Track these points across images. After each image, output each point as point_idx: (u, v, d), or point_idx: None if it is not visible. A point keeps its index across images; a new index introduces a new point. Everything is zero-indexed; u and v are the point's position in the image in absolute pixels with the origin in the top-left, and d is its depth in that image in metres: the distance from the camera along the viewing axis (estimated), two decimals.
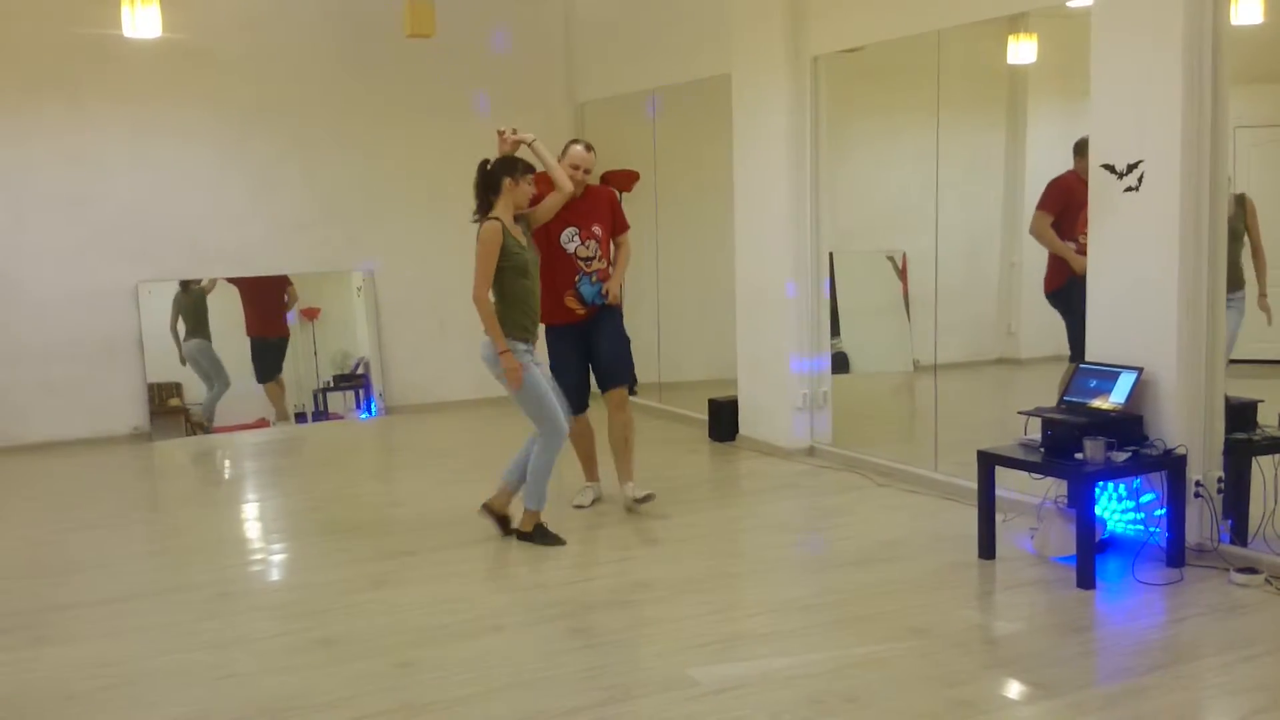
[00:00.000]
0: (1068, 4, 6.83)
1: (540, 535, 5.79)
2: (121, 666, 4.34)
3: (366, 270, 9.49)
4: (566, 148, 6.26)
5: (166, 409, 8.90)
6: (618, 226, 6.44)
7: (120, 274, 8.74)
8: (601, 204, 6.39)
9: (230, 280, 9.14)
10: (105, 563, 5.76)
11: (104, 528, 6.44)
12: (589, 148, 6.29)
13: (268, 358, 9.29)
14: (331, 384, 9.52)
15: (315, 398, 9.43)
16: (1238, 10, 5.33)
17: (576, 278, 6.19)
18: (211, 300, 9.13)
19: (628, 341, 6.49)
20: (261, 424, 9.12)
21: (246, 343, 9.27)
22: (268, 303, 9.30)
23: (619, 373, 6.38)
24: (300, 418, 9.32)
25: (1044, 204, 6.79)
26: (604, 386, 6.39)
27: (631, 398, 6.57)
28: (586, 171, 6.24)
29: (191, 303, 9.08)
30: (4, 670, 4.34)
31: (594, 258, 6.25)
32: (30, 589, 5.34)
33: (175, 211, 8.90)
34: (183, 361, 8.98)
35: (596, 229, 6.26)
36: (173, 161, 8.89)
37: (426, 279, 9.65)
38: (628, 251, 6.48)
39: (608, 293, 6.29)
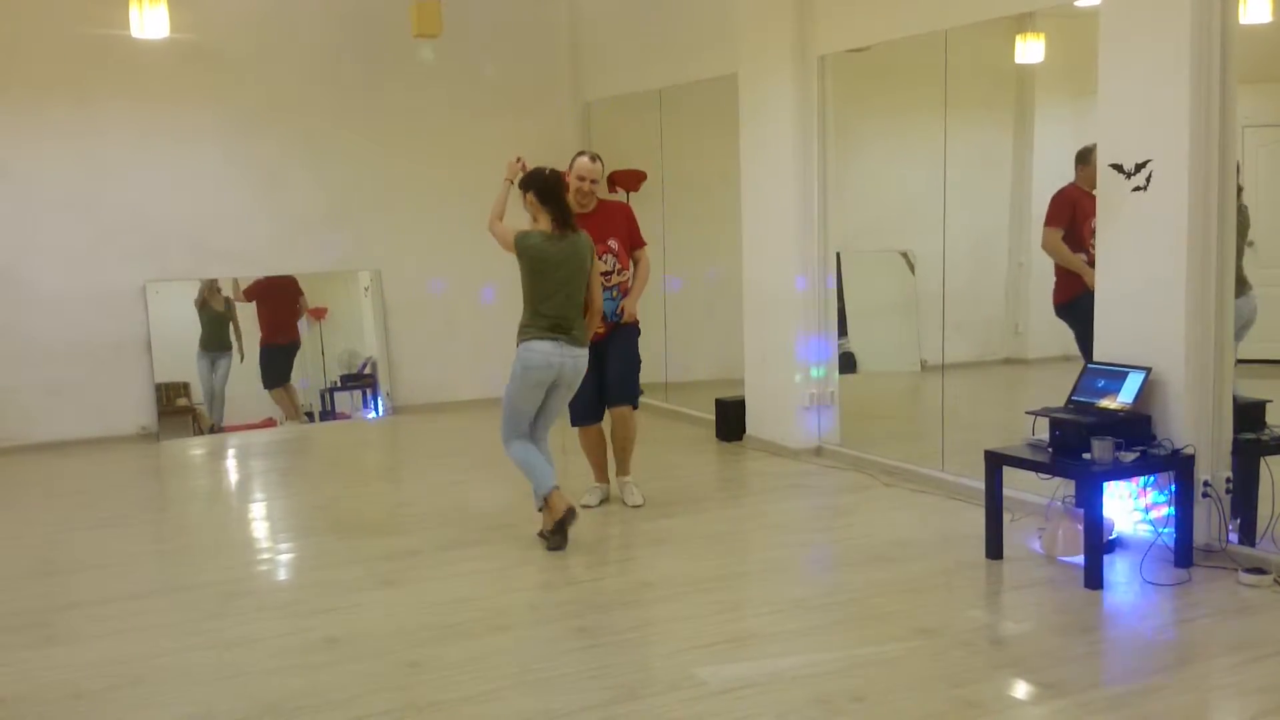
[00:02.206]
0: (1075, 3, 6.81)
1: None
2: (129, 665, 4.34)
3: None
4: (573, 161, 6.27)
5: (174, 409, 8.91)
6: (634, 240, 6.42)
7: (128, 274, 8.76)
8: (616, 217, 6.40)
9: (246, 295, 9.15)
10: (113, 562, 5.77)
11: (111, 527, 6.45)
12: (594, 158, 6.32)
13: (279, 363, 9.29)
14: (339, 384, 9.53)
15: (323, 397, 9.45)
16: (1246, 9, 5.32)
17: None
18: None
19: (638, 362, 6.48)
20: (269, 424, 9.14)
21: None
22: (280, 309, 9.30)
23: (622, 392, 6.38)
24: (308, 417, 9.34)
25: (1051, 219, 6.71)
26: (607, 403, 6.40)
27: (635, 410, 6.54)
28: (594, 182, 6.25)
29: (210, 318, 9.12)
30: (13, 669, 4.35)
31: (612, 271, 6.27)
32: (38, 588, 5.36)
33: (183, 211, 8.92)
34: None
35: (612, 242, 6.27)
36: (180, 161, 8.91)
37: (434, 279, 9.66)
38: (646, 267, 6.48)
39: (623, 310, 6.30)
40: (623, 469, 6.55)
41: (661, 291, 9.49)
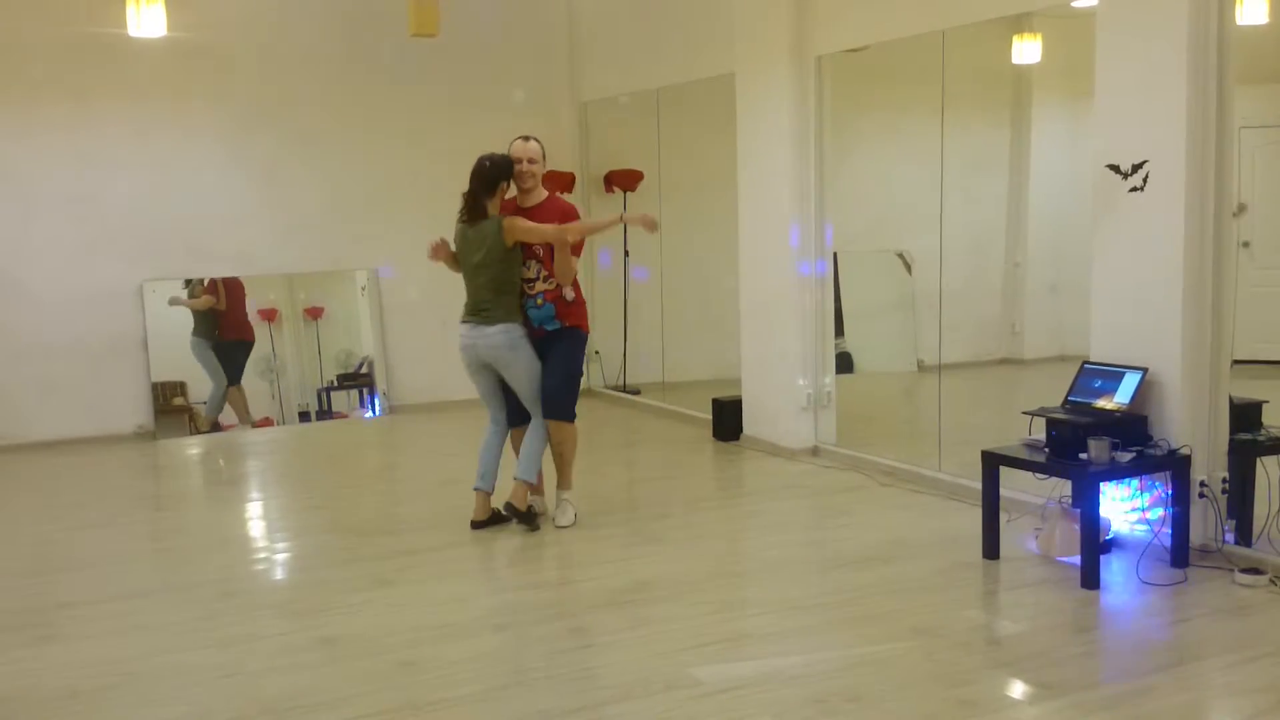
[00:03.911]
0: (1072, 4, 6.82)
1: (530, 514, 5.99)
2: (125, 665, 4.34)
3: (383, 273, 9.57)
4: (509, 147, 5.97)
5: (171, 408, 8.91)
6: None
7: (125, 273, 8.75)
8: (551, 215, 5.86)
9: (208, 289, 9.12)
10: (109, 561, 5.77)
11: (108, 526, 6.45)
12: (527, 139, 5.91)
13: (235, 360, 9.25)
14: (335, 383, 9.53)
15: (319, 397, 9.44)
16: (1243, 10, 5.32)
17: (525, 301, 5.88)
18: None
19: (578, 375, 6.07)
20: (265, 423, 9.13)
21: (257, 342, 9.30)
22: (233, 307, 9.25)
23: (552, 407, 5.94)
24: (304, 416, 9.33)
25: None
26: (543, 413, 6.02)
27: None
28: (531, 161, 5.84)
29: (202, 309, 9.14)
30: (8, 668, 4.35)
31: (535, 279, 5.86)
32: (35, 587, 5.35)
33: (180, 210, 8.90)
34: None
35: (537, 247, 5.82)
36: (177, 160, 8.90)
37: (430, 278, 9.62)
38: (583, 222, 6.16)
39: (557, 288, 5.83)
40: (560, 481, 6.10)
41: (659, 289, 9.51)
